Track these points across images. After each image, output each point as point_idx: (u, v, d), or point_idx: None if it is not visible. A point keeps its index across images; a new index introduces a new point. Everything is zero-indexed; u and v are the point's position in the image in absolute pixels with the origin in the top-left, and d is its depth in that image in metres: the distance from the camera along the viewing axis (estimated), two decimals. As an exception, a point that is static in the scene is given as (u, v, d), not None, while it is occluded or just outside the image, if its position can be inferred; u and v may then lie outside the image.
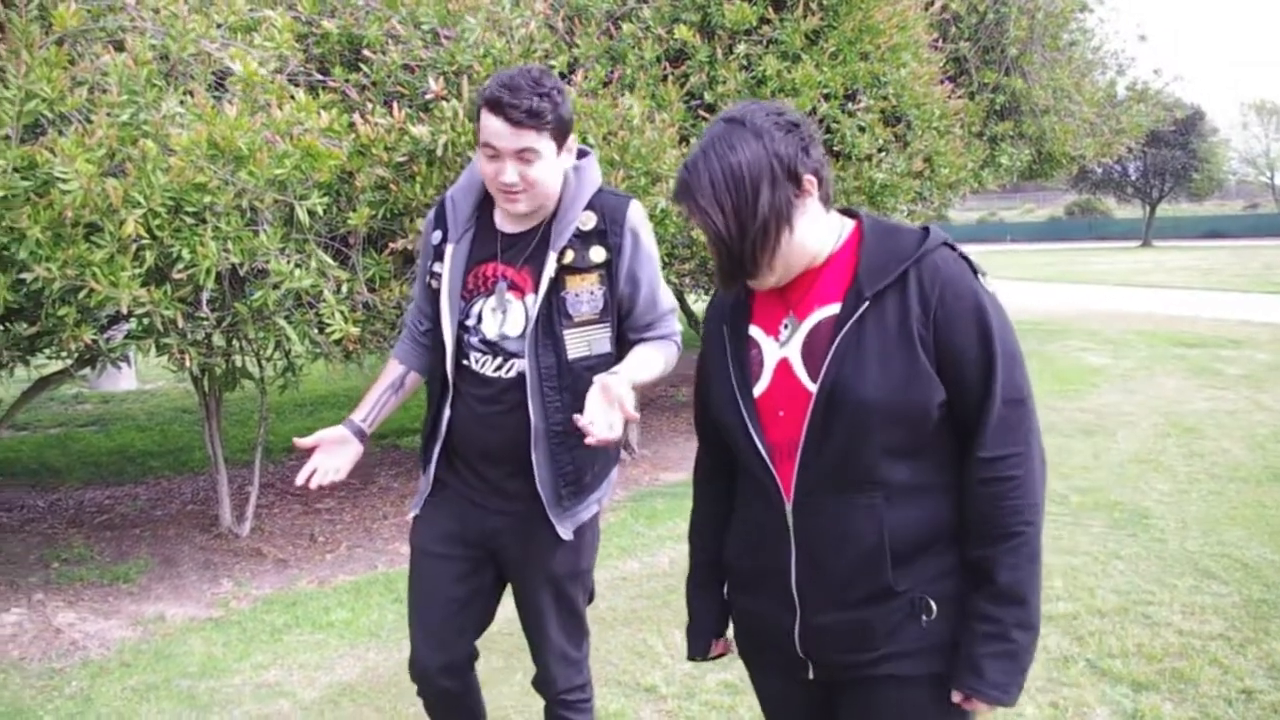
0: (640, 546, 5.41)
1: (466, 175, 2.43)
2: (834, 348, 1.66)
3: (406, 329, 2.63)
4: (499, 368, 2.34)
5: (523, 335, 2.31)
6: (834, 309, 1.69)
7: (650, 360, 2.36)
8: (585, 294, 2.32)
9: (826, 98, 6.65)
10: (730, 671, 3.85)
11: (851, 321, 1.66)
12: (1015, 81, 11.13)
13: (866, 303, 1.66)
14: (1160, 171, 44.41)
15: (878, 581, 1.69)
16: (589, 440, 2.01)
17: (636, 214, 2.36)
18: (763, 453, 1.73)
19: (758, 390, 1.76)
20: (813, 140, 1.69)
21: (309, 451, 2.41)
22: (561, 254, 2.29)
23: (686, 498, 6.50)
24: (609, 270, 2.32)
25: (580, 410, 2.16)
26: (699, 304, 9.49)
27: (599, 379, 2.11)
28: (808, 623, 1.75)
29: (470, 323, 2.36)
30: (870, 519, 1.68)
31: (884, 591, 1.69)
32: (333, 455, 2.42)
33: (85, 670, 3.97)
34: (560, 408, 2.30)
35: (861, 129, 6.86)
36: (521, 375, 2.31)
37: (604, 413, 2.04)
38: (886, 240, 1.71)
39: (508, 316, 2.33)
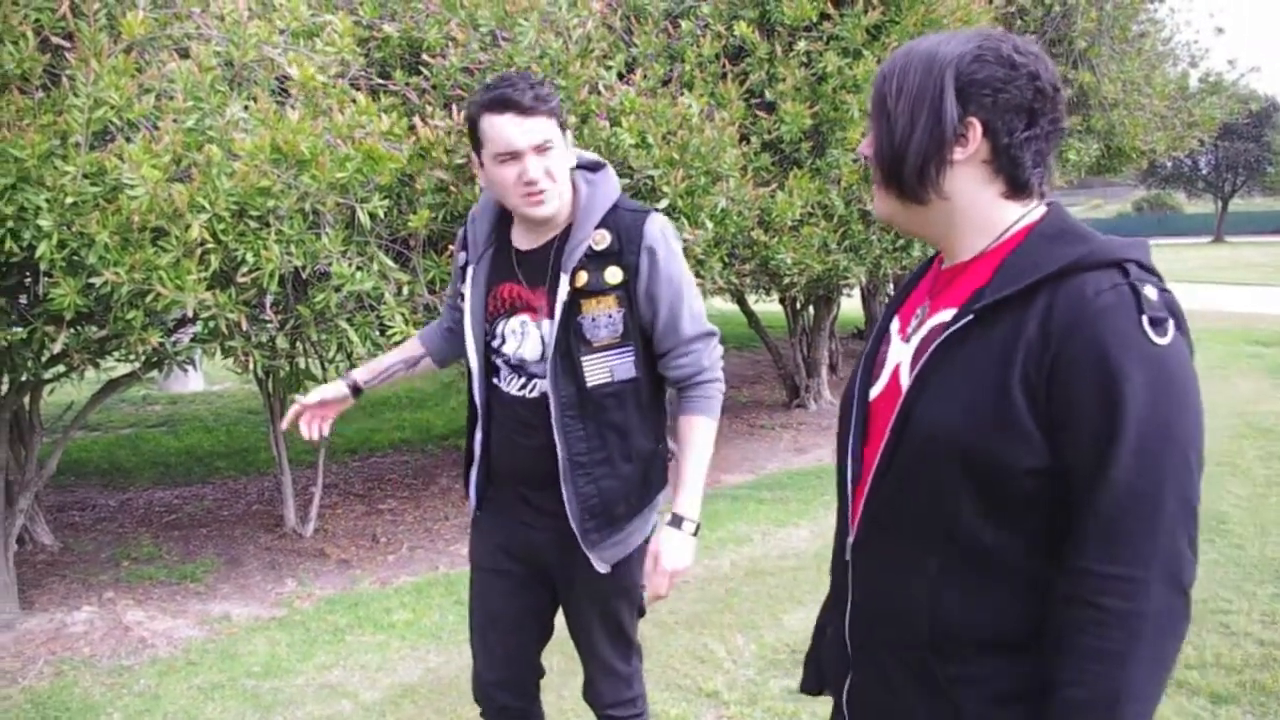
0: (701, 549, 5.36)
1: (483, 196, 2.38)
2: (923, 361, 1.35)
3: (440, 318, 2.63)
4: (522, 387, 2.29)
5: (540, 359, 2.26)
6: (950, 315, 1.36)
7: (701, 446, 2.30)
8: (603, 317, 2.21)
9: (889, 94, 6.55)
10: (793, 678, 3.79)
11: (949, 333, 1.33)
12: (1083, 75, 10.88)
13: (969, 317, 1.31)
14: (1232, 165, 43.39)
15: (921, 669, 1.37)
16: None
17: (655, 229, 2.22)
18: (849, 468, 1.47)
19: (874, 392, 1.48)
20: (1027, 93, 1.31)
21: (311, 409, 2.46)
22: (574, 276, 2.19)
23: (749, 500, 6.43)
24: (627, 291, 2.21)
25: (603, 439, 2.24)
26: (759, 304, 9.43)
27: (656, 553, 2.22)
28: (855, 683, 1.50)
29: (495, 344, 2.32)
30: (921, 586, 1.35)
31: (928, 684, 1.37)
32: (320, 406, 2.46)
33: (153, 668, 4.03)
34: (583, 437, 2.23)
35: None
36: (545, 396, 2.25)
37: (665, 582, 2.23)
38: (1045, 245, 1.31)
39: (525, 341, 2.28)
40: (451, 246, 4.55)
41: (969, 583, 1.33)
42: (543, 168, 2.15)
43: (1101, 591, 1.21)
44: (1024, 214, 1.37)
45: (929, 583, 1.35)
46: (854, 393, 1.51)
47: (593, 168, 2.31)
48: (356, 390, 2.48)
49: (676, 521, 2.26)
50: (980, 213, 1.37)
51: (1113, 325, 1.22)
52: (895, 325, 1.51)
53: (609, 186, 2.28)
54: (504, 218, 2.34)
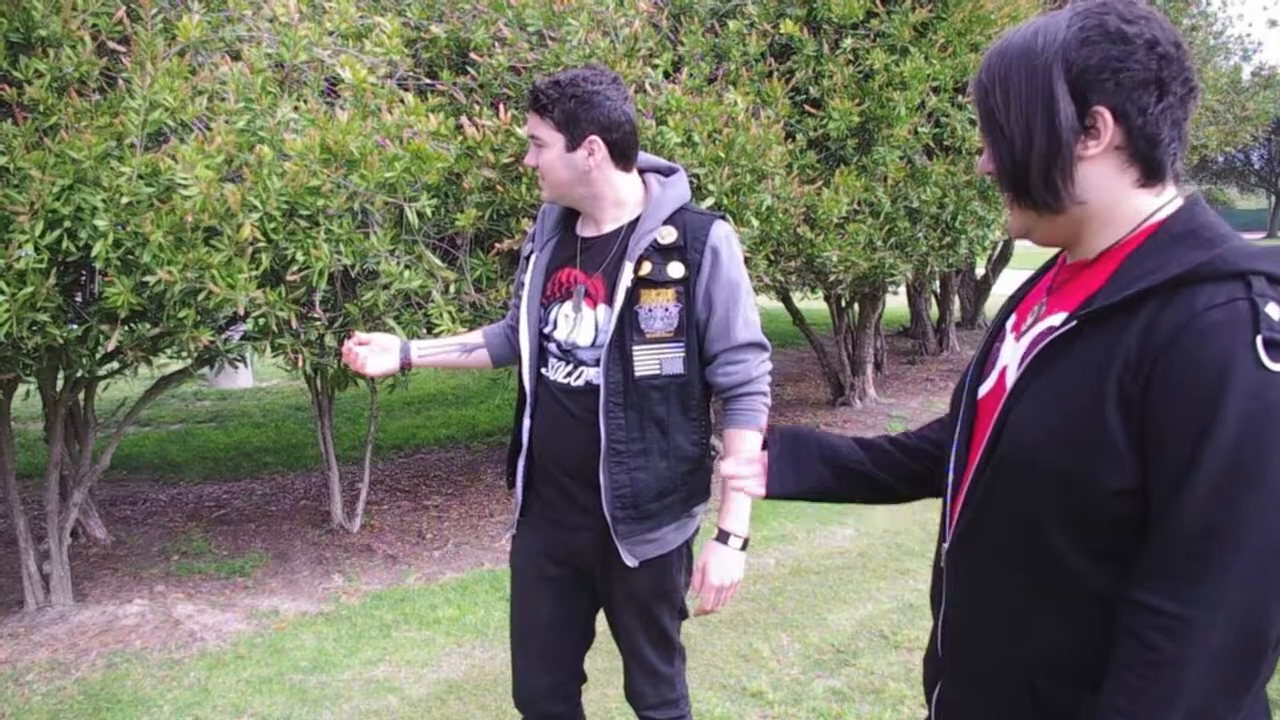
0: (745, 548, 5.35)
1: None
2: (1025, 365, 1.28)
3: (505, 318, 2.68)
4: (569, 375, 2.32)
5: (592, 345, 2.29)
6: (1060, 319, 1.28)
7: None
8: (660, 310, 2.25)
9: (936, 90, 6.51)
10: (838, 678, 3.79)
11: (1053, 338, 1.25)
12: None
13: (1073, 323, 1.23)
14: (1286, 160, 42.56)
15: (1011, 689, 1.31)
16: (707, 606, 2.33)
17: (720, 233, 2.27)
18: (951, 467, 1.41)
19: (983, 389, 1.41)
20: (1150, 64, 1.19)
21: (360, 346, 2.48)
22: (638, 265, 2.23)
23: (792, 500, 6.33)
24: (687, 288, 2.25)
25: (643, 430, 2.26)
26: (804, 302, 9.39)
27: (704, 568, 2.29)
28: (944, 691, 1.45)
29: (548, 329, 2.36)
30: (1011, 604, 1.29)
31: (1018, 706, 1.30)
32: (374, 353, 2.47)
33: (203, 661, 4.09)
34: (623, 425, 2.25)
35: (973, 122, 6.69)
36: (589, 384, 2.28)
37: (713, 596, 2.31)
38: (1167, 248, 1.20)
39: (579, 325, 2.31)
40: (498, 245, 4.60)
41: (1061, 607, 1.25)
42: (534, 157, 2.29)
43: (1153, 627, 1.12)
44: (1158, 206, 1.26)
45: (1018, 601, 1.28)
46: (964, 388, 1.44)
47: (666, 172, 2.38)
48: (406, 353, 2.51)
49: (723, 537, 2.30)
50: (1115, 207, 1.26)
51: (1218, 343, 1.10)
52: (1011, 321, 1.43)
53: (680, 189, 2.33)
54: (572, 210, 2.40)
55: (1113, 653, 1.17)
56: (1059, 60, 1.21)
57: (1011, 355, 1.37)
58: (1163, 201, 1.26)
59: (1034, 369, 1.27)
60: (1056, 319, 1.29)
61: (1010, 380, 1.33)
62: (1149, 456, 1.15)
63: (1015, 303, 1.47)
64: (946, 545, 1.40)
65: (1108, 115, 1.21)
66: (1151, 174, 1.25)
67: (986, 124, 1.29)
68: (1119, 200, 1.26)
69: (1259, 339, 1.09)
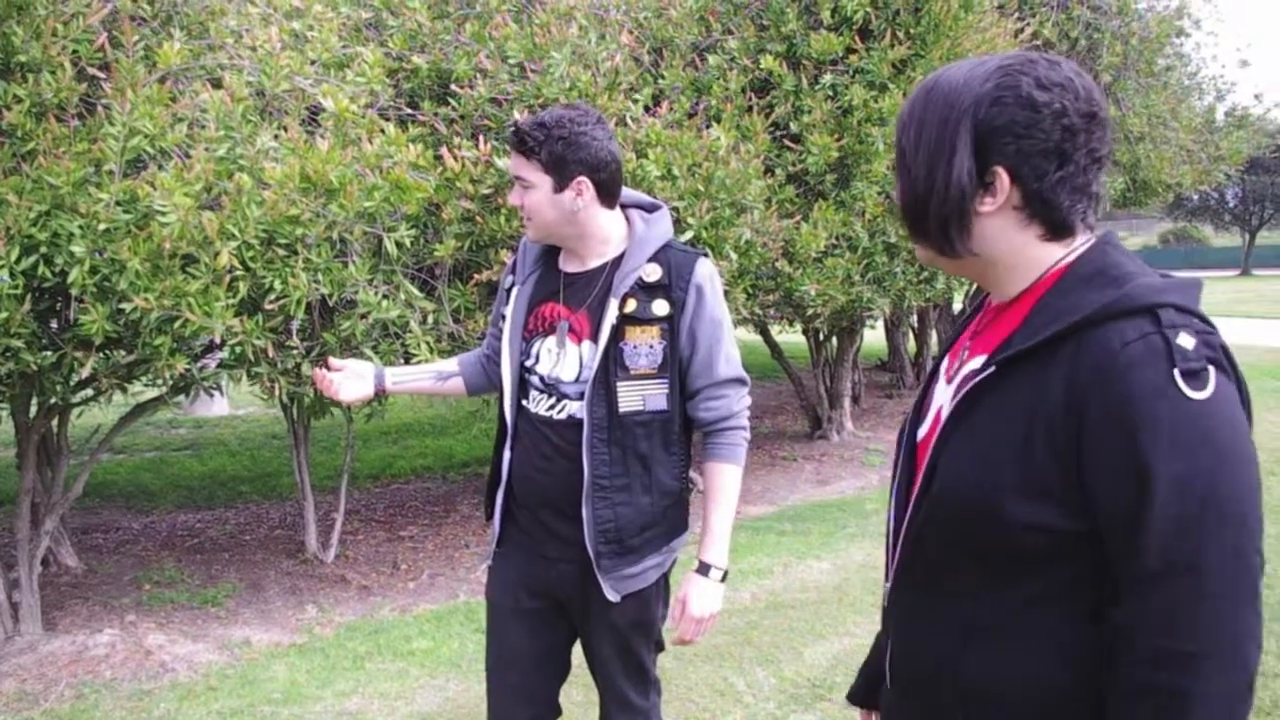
0: (721, 580, 5.33)
1: None
2: (949, 410, 1.30)
3: (480, 346, 2.67)
4: (551, 408, 2.32)
5: (576, 380, 2.29)
6: (979, 362, 1.31)
7: (728, 493, 2.34)
8: (644, 347, 2.26)
9: (914, 127, 6.57)
10: (814, 712, 3.77)
11: (973, 384, 1.27)
12: (1109, 108, 10.85)
13: (992, 369, 1.25)
14: (1260, 198, 43.09)
15: None
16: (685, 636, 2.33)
17: (704, 271, 2.29)
18: (892, 508, 1.43)
19: (921, 431, 1.43)
20: (1054, 135, 1.21)
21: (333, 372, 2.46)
22: (623, 302, 2.24)
23: (769, 532, 6.36)
24: (671, 325, 2.26)
25: (626, 466, 2.26)
26: (783, 335, 9.42)
27: (684, 599, 2.30)
28: None
29: (529, 363, 2.36)
30: (946, 644, 1.31)
31: None
32: (348, 379, 2.45)
33: (173, 692, 4.03)
34: (606, 461, 2.26)
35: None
36: (572, 418, 2.29)
37: (692, 628, 2.32)
38: (1077, 289, 1.22)
39: (562, 360, 2.31)
40: (476, 276, 4.61)
41: (995, 645, 1.27)
42: (520, 197, 2.27)
43: (1157, 668, 1.12)
44: (1067, 252, 1.27)
45: (952, 637, 1.30)
46: (904, 431, 1.46)
47: (649, 208, 2.38)
48: (380, 380, 2.49)
49: (704, 569, 2.31)
50: (1018, 258, 1.28)
51: (1140, 382, 1.12)
52: (945, 363, 1.45)
53: (663, 226, 2.34)
54: (554, 244, 2.40)
55: (1111, 695, 1.17)
56: (969, 116, 1.23)
57: (944, 397, 1.38)
58: (1070, 249, 1.28)
59: (957, 414, 1.29)
60: (977, 362, 1.31)
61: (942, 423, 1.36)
62: (1098, 498, 1.16)
63: (948, 345, 1.49)
64: (889, 584, 1.43)
65: (1005, 177, 1.23)
66: (1055, 231, 1.26)
67: (898, 156, 1.31)
68: (1023, 251, 1.28)
69: (1176, 371, 1.12)
